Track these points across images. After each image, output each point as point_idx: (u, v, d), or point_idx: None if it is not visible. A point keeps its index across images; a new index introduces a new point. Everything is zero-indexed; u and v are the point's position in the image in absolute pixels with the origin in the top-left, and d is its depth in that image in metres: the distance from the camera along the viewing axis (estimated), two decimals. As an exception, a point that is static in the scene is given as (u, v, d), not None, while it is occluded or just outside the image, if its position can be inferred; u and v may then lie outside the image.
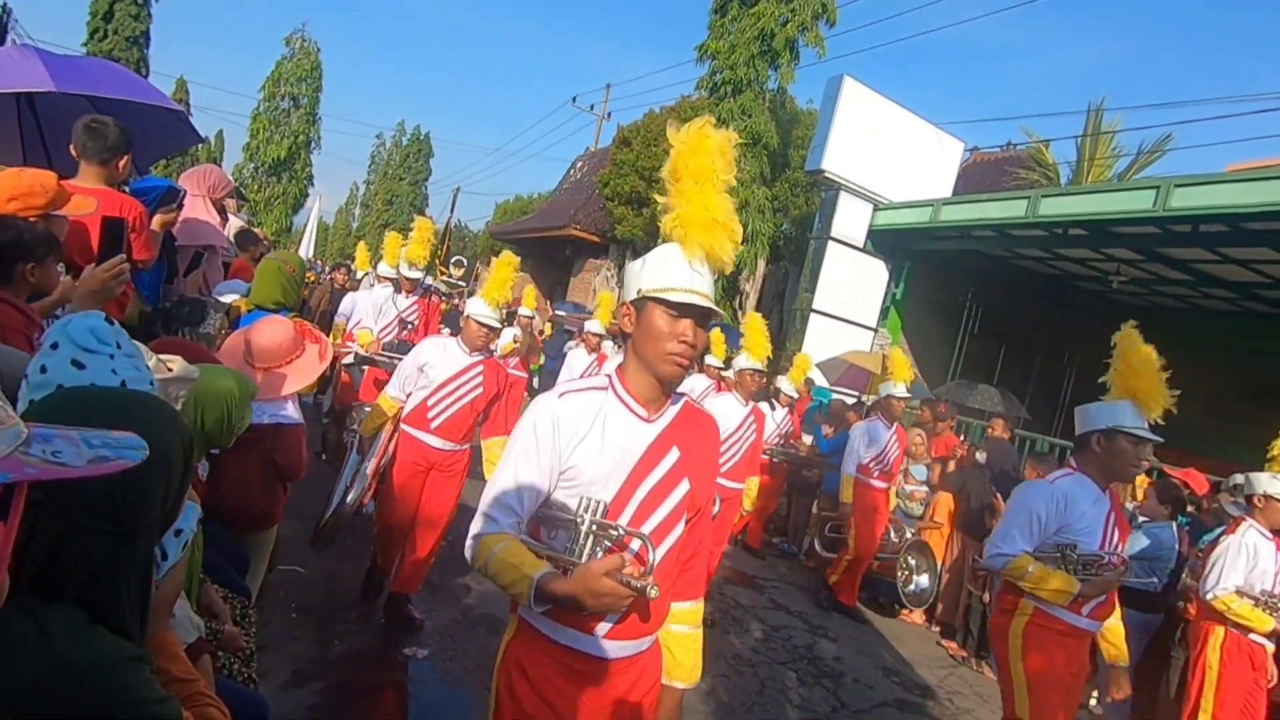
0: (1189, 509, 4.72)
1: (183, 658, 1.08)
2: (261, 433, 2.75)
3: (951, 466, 5.90)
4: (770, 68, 12.12)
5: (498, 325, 3.56)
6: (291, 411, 2.85)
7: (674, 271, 1.39)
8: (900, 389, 5.40)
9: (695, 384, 7.15)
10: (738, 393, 4.80)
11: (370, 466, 3.60)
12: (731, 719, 3.50)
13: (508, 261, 3.70)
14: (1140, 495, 5.03)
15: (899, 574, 5.42)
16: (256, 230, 7.51)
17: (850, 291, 10.17)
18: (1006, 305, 10.89)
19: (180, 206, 3.59)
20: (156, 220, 2.94)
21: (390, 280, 6.37)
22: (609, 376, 1.48)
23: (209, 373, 2.06)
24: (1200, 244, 7.39)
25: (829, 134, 9.49)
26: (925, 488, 5.90)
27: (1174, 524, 4.35)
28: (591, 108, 27.59)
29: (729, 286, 12.59)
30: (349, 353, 5.40)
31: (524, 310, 8.61)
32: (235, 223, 5.93)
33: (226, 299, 3.36)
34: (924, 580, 5.55)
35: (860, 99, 9.66)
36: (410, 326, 5.91)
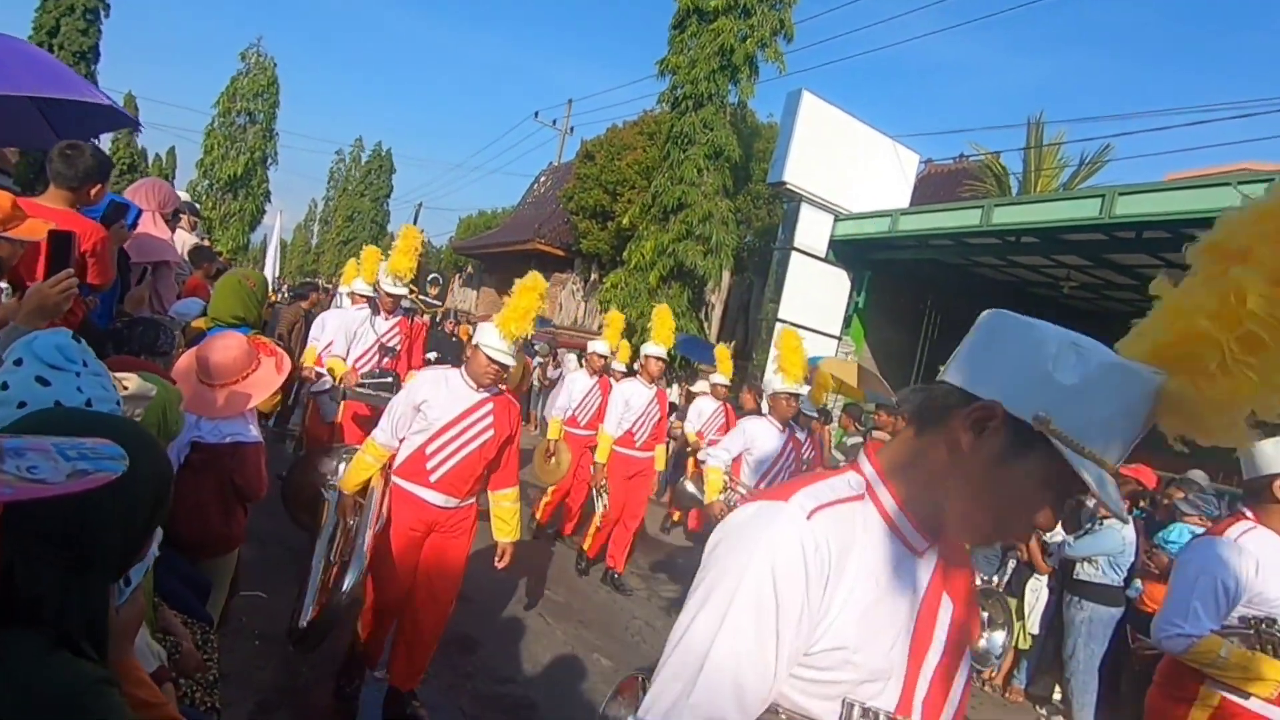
0: (1140, 504, 4.88)
1: (149, 683, 1.04)
2: (219, 453, 2.68)
3: None
4: (730, 82, 12.31)
5: (511, 363, 2.94)
6: (251, 430, 2.78)
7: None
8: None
9: (704, 407, 7.09)
10: (772, 418, 4.42)
11: (368, 540, 2.76)
12: None
13: (533, 287, 2.95)
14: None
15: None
16: (212, 247, 7.33)
17: (814, 301, 10.34)
18: (965, 311, 11.11)
19: (135, 225, 3.49)
20: (114, 238, 2.86)
21: (366, 299, 5.65)
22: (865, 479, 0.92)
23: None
24: (1144, 249, 7.69)
25: (789, 147, 9.68)
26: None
27: (1131, 520, 4.50)
28: (554, 122, 27.68)
29: (695, 298, 12.68)
30: (323, 381, 4.93)
31: (602, 346, 7.46)
32: (190, 239, 5.78)
33: (196, 316, 3.27)
34: (998, 637, 4.10)
35: (819, 112, 9.88)
36: (392, 353, 5.06)
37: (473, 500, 3.05)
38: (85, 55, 21.28)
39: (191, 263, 5.42)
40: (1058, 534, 4.64)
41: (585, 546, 5.57)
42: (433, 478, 2.91)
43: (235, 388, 2.74)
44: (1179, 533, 4.13)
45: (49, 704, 0.76)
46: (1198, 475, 5.03)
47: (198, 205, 17.83)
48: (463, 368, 2.99)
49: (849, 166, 10.12)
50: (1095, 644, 4.35)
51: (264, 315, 4.73)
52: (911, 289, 10.86)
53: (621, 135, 16.38)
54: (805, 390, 4.42)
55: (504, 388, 3.05)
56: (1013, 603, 4.66)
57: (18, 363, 1.03)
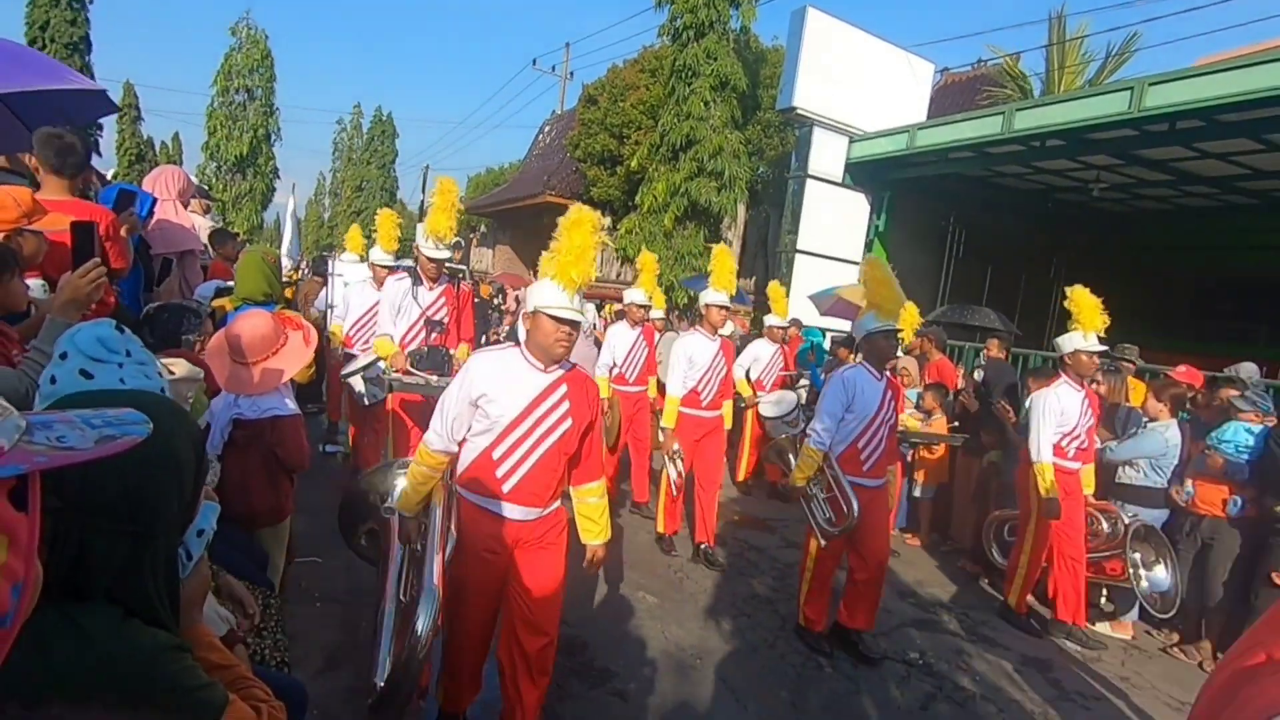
0: (1188, 406, 4.79)
1: (220, 646, 1.09)
2: (260, 428, 2.76)
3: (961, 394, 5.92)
4: (731, 6, 11.82)
5: (583, 319, 2.38)
6: (287, 403, 2.85)
7: None
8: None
9: (760, 352, 6.70)
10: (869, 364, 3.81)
11: (436, 569, 2.30)
12: (756, 655, 3.60)
13: (583, 221, 2.35)
14: (1134, 398, 5.10)
15: (1126, 573, 4.08)
16: (230, 229, 7.39)
17: (833, 228, 10.12)
18: (989, 226, 10.87)
19: (151, 213, 3.52)
20: (123, 227, 2.89)
21: (390, 270, 5.10)
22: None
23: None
24: (1178, 142, 7.35)
25: (797, 69, 9.33)
26: (921, 413, 5.94)
27: (1176, 422, 4.42)
28: (553, 69, 26.97)
29: (711, 236, 12.49)
30: (353, 362, 4.65)
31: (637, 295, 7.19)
32: (207, 224, 5.83)
33: (211, 297, 3.33)
34: (1160, 573, 4.14)
35: (826, 30, 9.46)
36: (440, 328, 4.37)
37: (559, 504, 2.49)
38: (77, 46, 21.10)
39: (213, 246, 5.48)
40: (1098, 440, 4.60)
41: (661, 529, 4.94)
42: (506, 487, 2.34)
43: (267, 364, 2.80)
44: (1234, 431, 4.04)
45: (128, 670, 0.81)
46: (1247, 369, 4.88)
47: (208, 188, 17.86)
48: (522, 344, 2.40)
49: (861, 84, 9.74)
50: (1140, 547, 4.36)
51: (287, 293, 4.79)
52: (933, 207, 10.56)
53: (623, 75, 15.91)
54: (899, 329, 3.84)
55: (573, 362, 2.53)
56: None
57: (63, 356, 1.06)
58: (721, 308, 4.75)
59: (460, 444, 2.43)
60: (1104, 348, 4.08)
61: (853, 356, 5.62)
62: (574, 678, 3.13)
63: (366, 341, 5.08)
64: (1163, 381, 4.76)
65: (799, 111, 9.53)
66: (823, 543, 3.58)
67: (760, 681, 3.34)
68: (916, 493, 5.89)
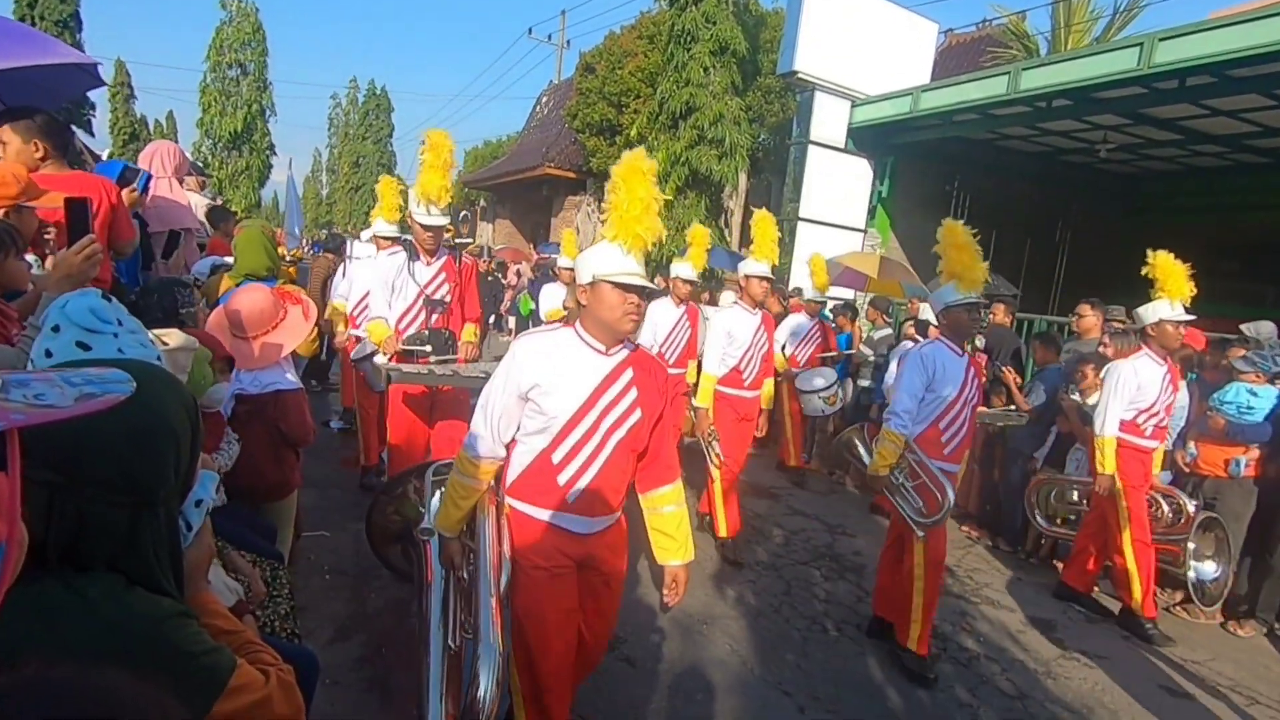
0: (1194, 368, 4.77)
1: (226, 614, 1.10)
2: (262, 402, 2.76)
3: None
4: (730, -31, 11.56)
5: (650, 285, 1.98)
6: (288, 377, 2.85)
7: None
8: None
9: (798, 324, 6.40)
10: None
11: (494, 615, 1.84)
12: (762, 620, 3.63)
13: (639, 165, 1.97)
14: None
15: (1181, 561, 4.00)
16: (227, 207, 7.30)
17: (836, 195, 10.00)
18: (994, 190, 10.74)
19: (146, 190, 3.48)
20: (126, 201, 2.86)
21: (394, 242, 4.69)
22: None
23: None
24: (1187, 99, 7.21)
25: (798, 32, 9.14)
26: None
27: (1185, 383, 4.40)
28: (549, 37, 26.51)
29: (713, 206, 12.36)
30: (363, 345, 4.30)
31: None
32: (203, 201, 5.77)
33: (208, 274, 3.30)
34: (1209, 566, 4.12)
35: (826, -10, 9.24)
36: (441, 307, 3.83)
37: (621, 512, 2.14)
38: (67, 24, 20.80)
39: (211, 223, 5.44)
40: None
41: (722, 533, 4.43)
42: (571, 495, 1.97)
43: (267, 338, 2.80)
44: (1235, 393, 4.02)
45: (133, 637, 0.81)
46: (1266, 328, 4.83)
47: (203, 165, 17.70)
48: (576, 323, 2.03)
49: (863, 46, 9.54)
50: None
51: (289, 272, 4.74)
52: (937, 171, 10.42)
53: (620, 42, 15.63)
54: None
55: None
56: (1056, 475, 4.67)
57: (55, 329, 1.05)
58: (763, 279, 4.39)
59: (509, 446, 2.04)
60: (1191, 317, 3.81)
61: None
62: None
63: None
64: None
65: (800, 76, 9.36)
66: (919, 534, 3.16)
67: (766, 646, 3.37)
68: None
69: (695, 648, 3.29)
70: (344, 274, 5.83)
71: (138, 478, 0.85)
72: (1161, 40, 6.50)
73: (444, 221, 3.61)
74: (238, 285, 3.12)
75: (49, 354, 1.03)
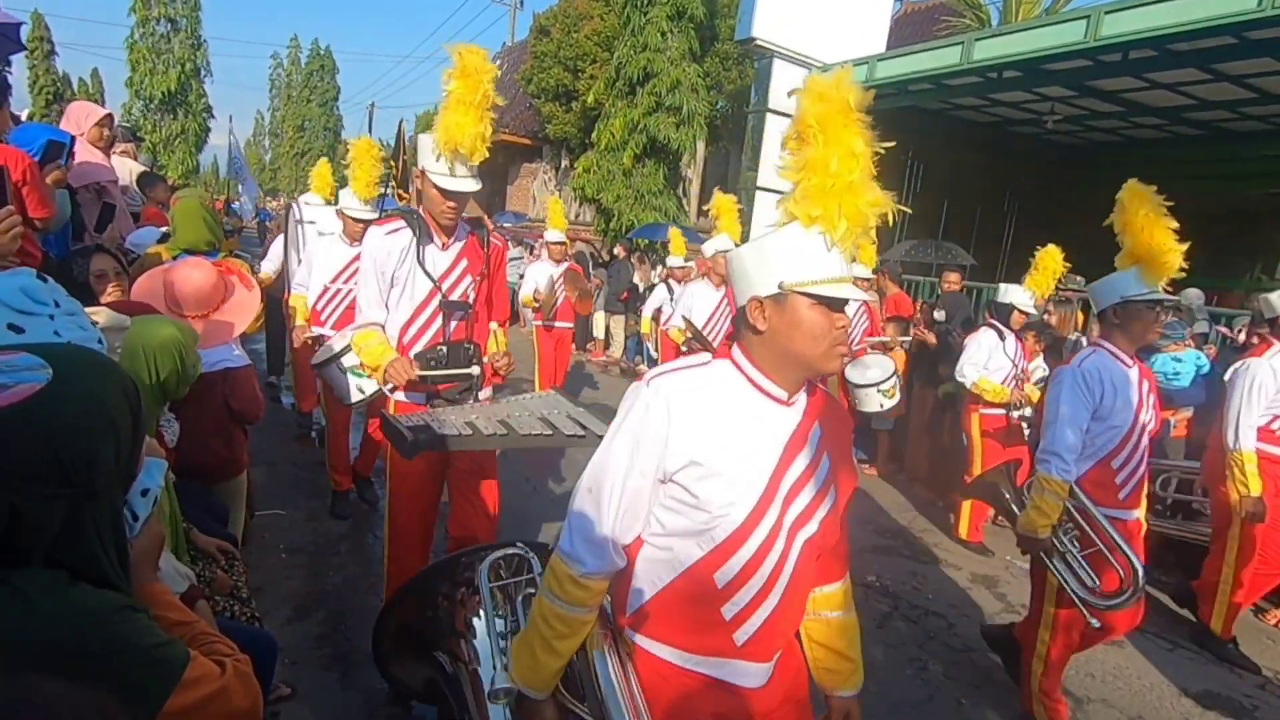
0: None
1: (178, 604, 1.07)
2: (211, 381, 2.66)
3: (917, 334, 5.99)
4: (686, -71, 11.33)
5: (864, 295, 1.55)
6: (236, 353, 2.76)
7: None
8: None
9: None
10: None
11: None
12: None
13: (846, 102, 1.20)
14: (1084, 328, 5.28)
15: None
16: (162, 175, 6.91)
17: (793, 164, 10.02)
18: (946, 160, 10.91)
19: (71, 156, 3.28)
20: (50, 177, 2.68)
21: (364, 225, 3.70)
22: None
23: (150, 324, 1.96)
24: (1130, 72, 7.40)
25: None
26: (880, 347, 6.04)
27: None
28: (501, -3, 25.67)
29: (670, 175, 12.29)
30: (327, 348, 3.16)
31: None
32: (135, 166, 5.47)
33: (144, 246, 3.14)
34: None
35: (784, -45, 9.14)
36: (464, 312, 2.58)
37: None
38: (-25, -29, 19.25)
39: (141, 190, 5.16)
40: (1040, 365, 4.77)
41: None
42: (741, 635, 1.26)
43: (214, 316, 2.69)
44: (1161, 363, 4.23)
45: (77, 632, 0.78)
46: (1191, 295, 5.09)
47: (134, 129, 16.76)
48: (736, 352, 1.27)
49: (820, 13, 9.49)
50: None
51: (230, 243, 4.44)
52: (891, 141, 10.52)
53: (576, 4, 15.23)
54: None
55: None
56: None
57: None
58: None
59: (632, 549, 1.28)
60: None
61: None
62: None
63: (337, 315, 4.04)
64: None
65: (758, 43, 9.28)
66: (1093, 623, 2.39)
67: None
68: (874, 424, 6.06)
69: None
70: (294, 252, 4.81)
71: (73, 469, 0.81)
72: (1107, 13, 6.64)
73: (476, 186, 2.41)
74: (174, 258, 2.98)
75: None
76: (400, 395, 2.56)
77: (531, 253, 12.83)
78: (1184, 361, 4.18)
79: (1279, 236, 10.99)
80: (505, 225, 15.84)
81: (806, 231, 1.20)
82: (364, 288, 2.54)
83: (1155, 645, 3.52)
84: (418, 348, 2.51)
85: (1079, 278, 6.21)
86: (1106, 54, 7.06)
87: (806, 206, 1.20)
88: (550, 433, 2.17)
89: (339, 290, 4.07)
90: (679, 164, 12.64)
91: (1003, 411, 4.33)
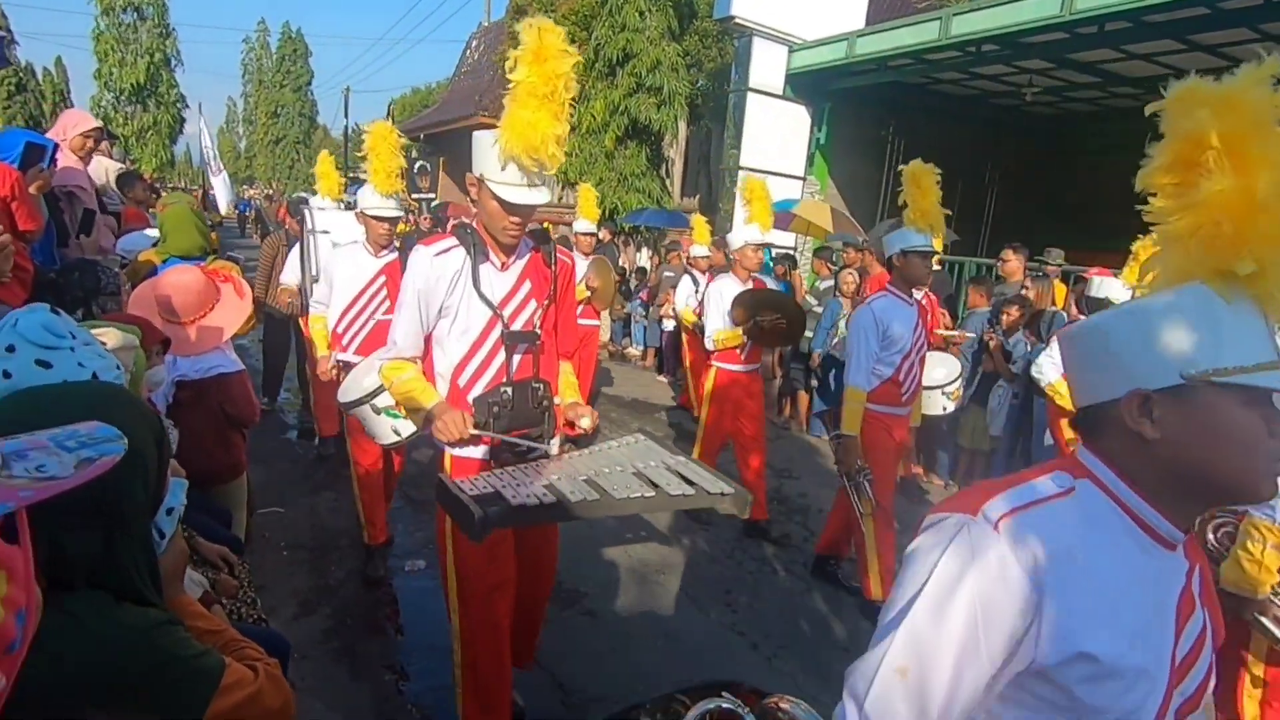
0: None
1: (206, 613, 1.13)
2: (205, 387, 2.71)
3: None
4: (662, -95, 11.18)
5: None
6: (230, 358, 2.79)
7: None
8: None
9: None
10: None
11: None
12: (715, 565, 3.82)
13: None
14: (1059, 301, 5.38)
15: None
16: (136, 169, 6.80)
17: (775, 142, 10.03)
18: (928, 133, 10.92)
19: (54, 162, 3.26)
20: (33, 185, 2.68)
21: (391, 223, 3.42)
22: None
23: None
24: (1106, 44, 7.46)
25: (734, -25, 8.98)
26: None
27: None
28: (475, -24, 25.21)
29: (653, 156, 12.24)
30: (359, 386, 2.77)
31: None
32: (112, 165, 5.41)
33: (136, 253, 3.15)
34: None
35: (761, -70, 9.08)
36: (529, 343, 2.15)
37: None
38: (-71, -39, 18.63)
39: (120, 190, 5.12)
40: (1019, 340, 4.89)
41: (875, 593, 3.30)
42: None
43: (203, 322, 2.72)
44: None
45: (125, 649, 0.84)
46: None
47: (106, 123, 16.43)
48: (1105, 472, 0.90)
49: (799, -11, 9.46)
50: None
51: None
52: (872, 117, 10.54)
53: (552, -18, 15.01)
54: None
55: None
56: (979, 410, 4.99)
57: (10, 349, 1.02)
58: (927, 255, 3.42)
59: None
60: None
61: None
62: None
63: (363, 337, 3.44)
64: (1081, 287, 5.02)
65: (737, 20, 9.24)
66: None
67: (720, 589, 3.56)
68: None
69: (653, 597, 3.45)
70: (308, 259, 4.17)
71: (108, 503, 0.87)
72: (1082, -14, 6.68)
73: (546, 198, 2.02)
74: (164, 264, 2.99)
75: (7, 375, 1.01)
76: (456, 449, 2.11)
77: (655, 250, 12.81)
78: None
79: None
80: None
81: (1223, 295, 0.83)
82: (403, 317, 2.06)
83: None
84: (477, 390, 2.07)
85: (1058, 251, 6.31)
86: (1083, 26, 7.11)
87: (1223, 258, 0.83)
88: (651, 493, 1.76)
89: (365, 307, 3.44)
90: (661, 145, 12.59)
91: None
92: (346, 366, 3.32)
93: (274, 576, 3.27)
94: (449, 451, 2.13)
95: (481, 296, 2.03)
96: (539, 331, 2.13)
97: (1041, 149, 12.34)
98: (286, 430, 5.41)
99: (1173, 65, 8.33)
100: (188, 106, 22.10)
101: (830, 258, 7.45)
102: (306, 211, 4.35)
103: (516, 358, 2.09)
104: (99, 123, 4.21)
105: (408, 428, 2.64)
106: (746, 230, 4.21)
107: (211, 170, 12.67)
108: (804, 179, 10.39)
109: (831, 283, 7.11)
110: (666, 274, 8.45)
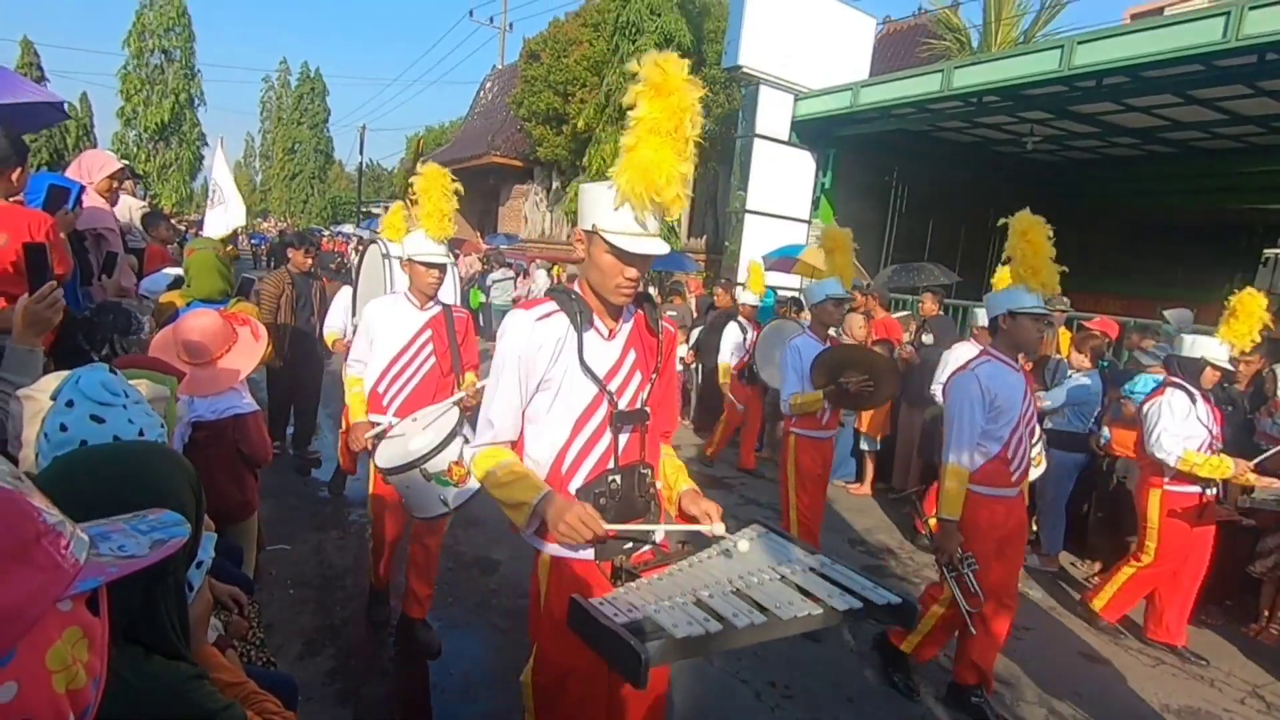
0: (1105, 355, 5.15)
1: (228, 665, 1.17)
2: (221, 428, 2.77)
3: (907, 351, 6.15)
4: (673, -41, 11.61)
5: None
6: (245, 399, 2.86)
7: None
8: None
9: (962, 355, 4.55)
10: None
11: None
12: (720, 610, 3.81)
13: None
14: (1063, 348, 5.43)
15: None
16: (158, 206, 6.99)
17: (781, 187, 10.24)
18: (931, 179, 11.15)
19: (79, 204, 3.39)
20: (61, 227, 2.80)
21: (440, 270, 3.09)
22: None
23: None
24: (1106, 97, 7.65)
25: (741, 27, 9.29)
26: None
27: (1097, 371, 4.75)
28: (491, 20, 26.04)
29: (661, 196, 12.46)
30: (399, 452, 2.66)
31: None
32: (135, 204, 5.59)
33: (158, 293, 3.25)
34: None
35: (768, -15, 9.42)
36: (638, 423, 1.87)
37: None
38: (-33, 2, 19.39)
39: (144, 229, 5.28)
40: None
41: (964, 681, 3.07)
42: None
43: (220, 364, 2.80)
44: (1143, 383, 4.37)
45: (158, 704, 0.88)
46: (1184, 315, 5.22)
47: (129, 160, 16.85)
48: None
49: (804, 41, 9.75)
50: (1063, 485, 4.74)
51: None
52: (876, 162, 10.75)
53: (565, 30, 15.50)
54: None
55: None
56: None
57: (69, 404, 1.10)
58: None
59: None
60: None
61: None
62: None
63: (403, 398, 3.09)
64: (1082, 334, 5.08)
65: (745, 70, 9.52)
66: None
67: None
68: (863, 445, 6.19)
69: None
70: (346, 315, 4.23)
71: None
72: (1080, 44, 6.88)
73: (666, 249, 1.75)
74: (189, 305, 3.09)
75: (64, 428, 1.09)
76: (560, 549, 1.78)
77: (525, 275, 12.97)
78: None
79: (1257, 250, 11.26)
80: (493, 245, 16.01)
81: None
82: (501, 393, 1.79)
83: (1138, 661, 3.65)
84: (579, 478, 1.79)
85: (1065, 299, 6.38)
86: (1081, 81, 7.31)
87: None
88: (819, 610, 1.48)
89: (407, 365, 3.10)
90: (669, 186, 12.83)
91: (1197, 488, 3.60)
92: (385, 430, 3.01)
93: (280, 615, 3.29)
94: (545, 551, 1.81)
95: (587, 369, 1.77)
96: (648, 410, 1.87)
97: (1043, 194, 12.53)
98: (292, 465, 5.46)
99: (1170, 117, 8.52)
100: (207, 145, 22.72)
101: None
102: (378, 241, 4.20)
103: (623, 439, 1.83)
104: (123, 163, 4.37)
105: (459, 497, 2.46)
106: (828, 284, 3.90)
107: (212, 200, 12.93)
108: (809, 222, 10.56)
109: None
110: (669, 313, 8.55)
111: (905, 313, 7.32)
